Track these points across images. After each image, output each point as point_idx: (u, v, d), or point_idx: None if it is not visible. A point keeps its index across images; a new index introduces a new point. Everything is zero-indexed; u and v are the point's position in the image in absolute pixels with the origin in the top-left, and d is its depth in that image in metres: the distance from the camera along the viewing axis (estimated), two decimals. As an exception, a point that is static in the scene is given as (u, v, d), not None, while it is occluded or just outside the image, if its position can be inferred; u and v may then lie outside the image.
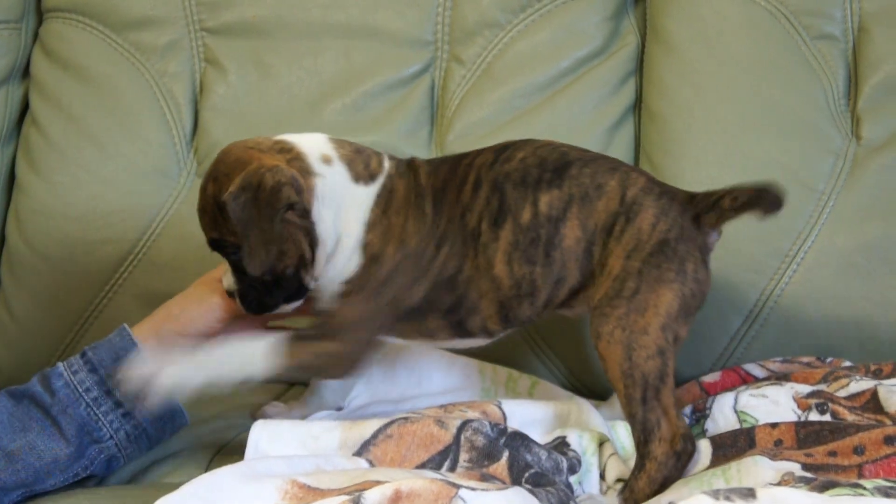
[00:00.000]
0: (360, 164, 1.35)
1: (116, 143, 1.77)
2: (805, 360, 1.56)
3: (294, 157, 1.33)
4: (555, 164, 1.33)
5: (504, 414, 1.42)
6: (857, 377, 1.42)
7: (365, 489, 1.16)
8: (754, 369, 1.55)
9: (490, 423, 1.35)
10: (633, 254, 1.30)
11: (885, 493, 1.10)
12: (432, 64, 1.78)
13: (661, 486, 1.26)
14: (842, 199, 1.63)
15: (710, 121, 1.68)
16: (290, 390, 1.71)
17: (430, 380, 1.54)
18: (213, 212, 1.32)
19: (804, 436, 1.28)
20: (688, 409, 1.44)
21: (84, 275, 1.74)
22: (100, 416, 1.40)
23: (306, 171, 1.32)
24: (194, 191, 1.75)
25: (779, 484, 1.16)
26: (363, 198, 1.34)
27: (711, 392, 1.53)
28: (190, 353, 1.33)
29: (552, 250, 1.32)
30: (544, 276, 1.32)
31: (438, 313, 1.35)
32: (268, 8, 1.78)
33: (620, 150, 1.72)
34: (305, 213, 1.32)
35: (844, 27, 1.71)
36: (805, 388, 1.40)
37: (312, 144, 1.35)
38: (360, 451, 1.32)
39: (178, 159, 1.78)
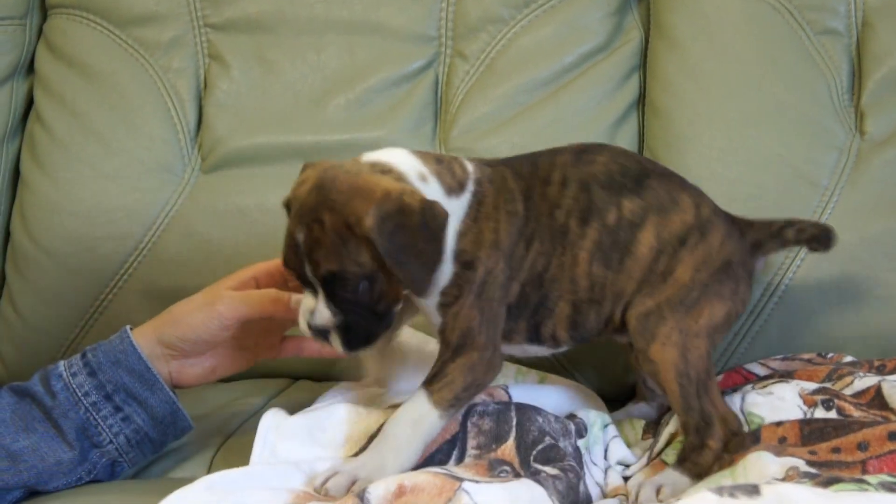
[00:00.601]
0: (449, 177, 1.32)
1: (120, 139, 1.76)
2: (806, 356, 1.56)
3: (398, 177, 1.28)
4: (635, 174, 1.37)
5: (510, 397, 1.43)
6: (861, 374, 1.42)
7: (370, 485, 1.17)
8: (756, 368, 1.55)
9: (493, 407, 1.36)
10: (702, 267, 1.35)
11: (890, 488, 1.10)
12: (436, 59, 1.78)
13: (722, 462, 1.31)
14: (845, 194, 1.63)
15: (713, 116, 1.68)
16: (290, 387, 1.70)
17: None
18: (335, 243, 1.24)
19: (808, 433, 1.29)
20: None
21: (89, 271, 1.74)
22: (99, 420, 1.39)
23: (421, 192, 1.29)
24: (198, 187, 1.76)
25: (783, 480, 1.16)
26: (455, 210, 1.31)
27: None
28: (374, 455, 1.28)
29: (626, 257, 1.35)
30: (614, 283, 1.35)
31: (526, 313, 1.35)
32: (271, 3, 1.78)
33: (624, 145, 1.72)
34: (439, 235, 1.28)
35: (848, 22, 1.71)
36: (811, 385, 1.40)
37: (406, 162, 1.30)
38: (366, 446, 1.32)
39: (183, 155, 1.78)
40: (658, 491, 1.29)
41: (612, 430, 1.44)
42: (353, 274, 1.25)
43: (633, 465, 1.40)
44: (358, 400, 1.47)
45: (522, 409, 1.37)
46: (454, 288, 1.31)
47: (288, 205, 1.31)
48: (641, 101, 1.76)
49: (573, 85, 1.74)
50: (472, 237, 1.31)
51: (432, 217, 1.24)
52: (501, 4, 1.76)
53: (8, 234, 1.81)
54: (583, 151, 1.38)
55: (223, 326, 1.41)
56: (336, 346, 1.30)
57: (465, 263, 1.31)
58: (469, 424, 1.35)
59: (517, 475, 1.28)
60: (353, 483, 1.24)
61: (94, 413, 1.39)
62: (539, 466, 1.29)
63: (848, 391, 1.39)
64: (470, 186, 1.33)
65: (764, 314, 1.61)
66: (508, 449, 1.32)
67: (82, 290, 1.75)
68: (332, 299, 1.27)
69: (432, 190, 1.29)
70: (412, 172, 1.29)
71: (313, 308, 1.28)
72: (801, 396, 1.37)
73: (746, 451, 1.26)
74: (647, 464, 1.39)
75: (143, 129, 1.77)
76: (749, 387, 1.43)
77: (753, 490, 1.05)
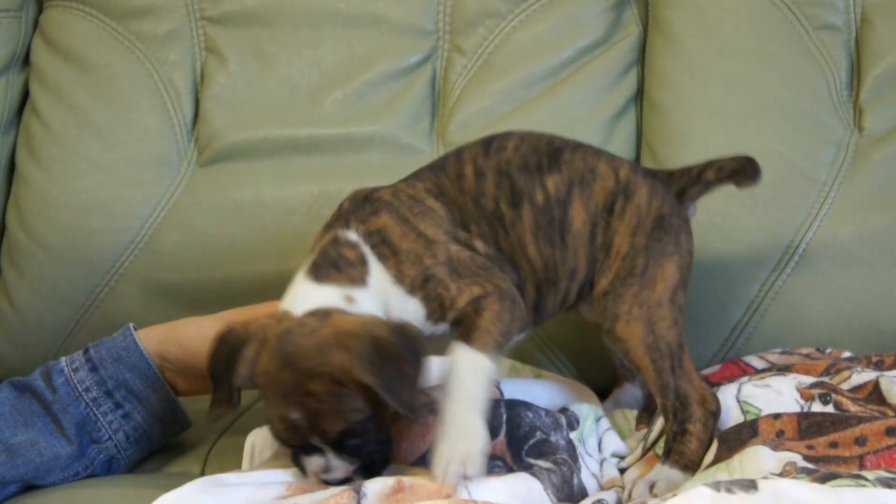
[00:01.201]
0: (352, 270, 1.30)
1: (117, 132, 1.76)
2: (804, 351, 1.56)
3: (338, 313, 1.26)
4: (547, 151, 1.36)
5: (501, 393, 1.42)
6: (859, 369, 1.41)
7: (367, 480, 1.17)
8: (754, 361, 1.55)
9: None
10: (637, 230, 1.34)
11: (887, 484, 1.09)
12: (433, 54, 1.78)
13: (708, 447, 1.30)
14: (844, 190, 1.63)
15: (711, 111, 1.68)
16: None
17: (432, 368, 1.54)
18: (333, 405, 1.22)
19: (806, 427, 1.28)
20: None
21: (85, 264, 1.74)
22: (99, 416, 1.39)
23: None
24: (195, 180, 1.75)
25: (780, 475, 1.16)
26: (377, 281, 1.30)
27: (711, 381, 1.53)
28: (455, 423, 1.24)
29: (565, 234, 1.34)
30: (563, 261, 1.34)
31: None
32: (268, -4, 1.78)
33: (622, 140, 1.72)
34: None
35: (847, 17, 1.70)
36: (808, 379, 1.40)
37: (323, 296, 1.28)
38: None
39: (179, 149, 1.77)
40: (651, 487, 1.28)
41: (605, 422, 1.44)
42: (359, 423, 1.23)
43: (628, 456, 1.40)
44: None
45: (512, 404, 1.36)
46: (433, 305, 1.30)
47: (223, 378, 1.27)
48: (639, 96, 1.76)
49: (571, 80, 1.73)
50: (407, 263, 1.30)
51: (410, 339, 1.24)
52: (499, -1, 1.76)
53: (3, 227, 1.80)
54: (489, 142, 1.38)
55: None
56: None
57: (421, 284, 1.30)
58: None
59: (510, 469, 1.28)
60: (464, 460, 1.21)
61: (94, 409, 1.39)
62: (532, 461, 1.29)
63: (845, 386, 1.39)
64: (365, 251, 1.30)
65: (761, 310, 1.61)
66: (500, 444, 1.32)
67: (78, 284, 1.74)
68: (342, 452, 1.25)
69: (367, 297, 1.28)
70: (338, 301, 1.27)
71: (325, 466, 1.25)
72: (798, 390, 1.37)
73: (744, 444, 1.25)
74: (642, 456, 1.38)
75: (140, 122, 1.76)
76: (746, 378, 1.43)
77: (750, 485, 1.04)
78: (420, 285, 1.30)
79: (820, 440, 1.26)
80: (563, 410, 1.41)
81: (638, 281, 1.32)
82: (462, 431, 1.23)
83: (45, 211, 1.75)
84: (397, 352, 1.22)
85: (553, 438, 1.33)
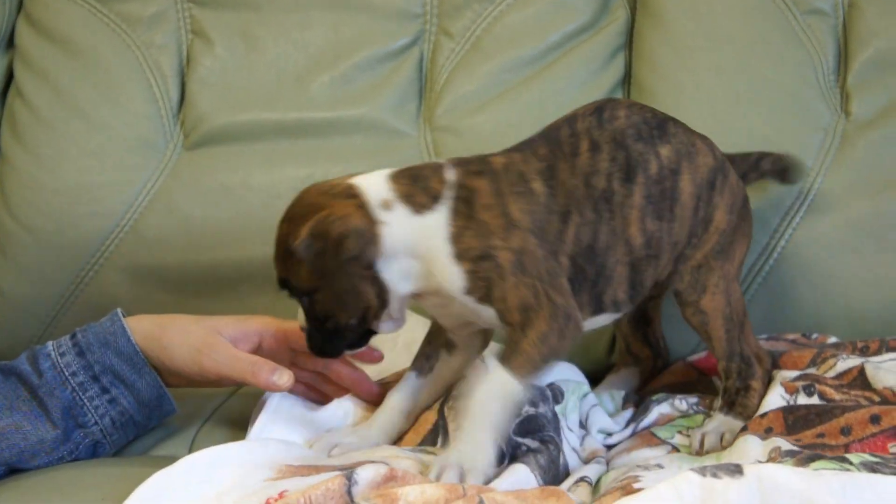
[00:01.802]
0: (419, 194, 1.30)
1: (102, 115, 1.75)
2: (790, 336, 1.56)
3: (361, 203, 1.29)
4: (655, 122, 1.38)
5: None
6: (844, 355, 1.42)
7: (359, 466, 1.17)
8: None
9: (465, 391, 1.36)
10: (732, 208, 1.39)
11: (871, 468, 1.10)
12: (421, 37, 1.77)
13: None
14: (830, 174, 1.63)
15: (698, 95, 1.68)
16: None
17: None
18: (283, 252, 1.29)
19: (792, 422, 1.29)
20: (693, 399, 1.45)
21: (70, 248, 1.73)
22: (85, 401, 1.39)
23: (371, 220, 1.28)
24: (181, 164, 1.75)
25: (766, 461, 1.17)
26: (433, 222, 1.29)
27: (700, 368, 1.54)
28: (468, 441, 1.25)
29: (674, 205, 1.36)
30: (669, 233, 1.36)
31: (587, 286, 1.34)
32: (254, -21, 1.77)
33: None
34: (370, 265, 1.28)
35: (834, 2, 1.70)
36: (792, 373, 1.41)
37: (374, 188, 1.30)
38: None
39: (165, 132, 1.77)
40: (722, 438, 1.34)
41: (591, 398, 1.44)
42: (296, 288, 1.29)
43: (616, 433, 1.40)
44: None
45: None
46: (478, 282, 1.29)
47: None
48: (627, 80, 1.76)
49: (559, 63, 1.73)
50: (473, 232, 1.29)
51: (339, 248, 1.25)
52: (487, -19, 1.75)
53: (-11, 210, 1.80)
54: (601, 109, 1.38)
55: (201, 376, 1.41)
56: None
57: (476, 259, 1.29)
58: (445, 409, 1.35)
59: (500, 452, 1.28)
60: (462, 472, 1.21)
61: (80, 393, 1.39)
62: (519, 439, 1.29)
63: (831, 374, 1.40)
64: (447, 194, 1.30)
65: (747, 295, 1.61)
66: None
67: (64, 268, 1.73)
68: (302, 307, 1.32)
69: (398, 216, 1.29)
70: (376, 200, 1.29)
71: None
72: (782, 385, 1.38)
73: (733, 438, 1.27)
74: (632, 435, 1.39)
75: (126, 105, 1.76)
76: None
77: (736, 470, 1.05)
78: (473, 259, 1.28)
79: (806, 433, 1.27)
80: (549, 385, 1.41)
81: (724, 256, 1.38)
82: (470, 448, 1.23)
83: (31, 194, 1.74)
84: (343, 250, 1.25)
85: (541, 409, 1.33)
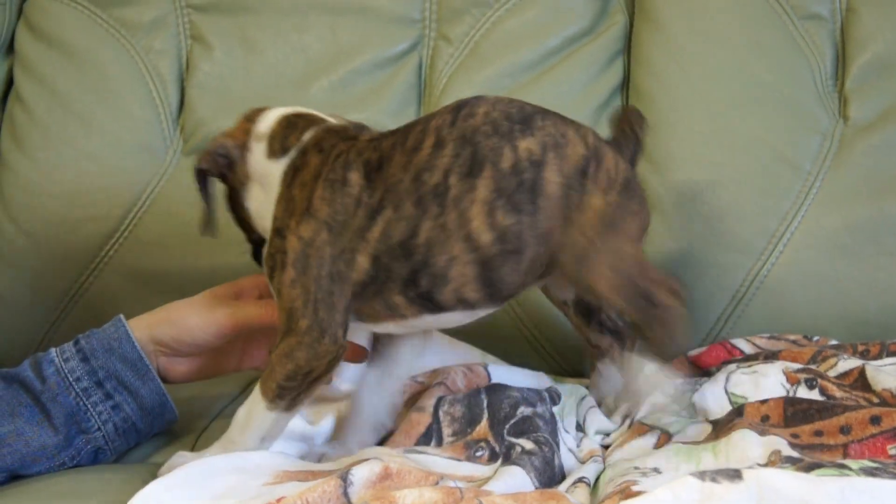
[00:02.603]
0: (279, 140, 1.35)
1: (102, 120, 1.76)
2: (792, 337, 1.56)
3: (248, 129, 1.37)
4: (519, 116, 1.31)
5: (489, 376, 1.43)
6: (845, 356, 1.42)
7: (353, 467, 1.17)
8: (741, 343, 1.55)
9: (462, 395, 1.37)
10: (609, 190, 1.30)
11: (871, 473, 1.10)
12: (420, 42, 1.77)
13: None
14: (829, 179, 1.63)
15: (696, 100, 1.68)
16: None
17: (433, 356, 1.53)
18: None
19: (791, 414, 1.29)
20: (678, 381, 1.45)
21: (69, 252, 1.73)
22: (89, 406, 1.39)
23: (245, 147, 1.36)
24: (180, 168, 1.75)
25: (766, 465, 1.17)
26: (275, 173, 1.34)
27: (697, 363, 1.54)
28: (216, 446, 1.33)
29: (537, 197, 1.28)
30: (532, 226, 1.27)
31: (396, 286, 1.28)
32: (253, -17, 1.77)
33: (608, 129, 1.72)
34: (242, 186, 1.36)
35: (832, 7, 1.71)
36: (795, 365, 1.41)
37: (267, 119, 1.37)
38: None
39: (164, 136, 1.77)
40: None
41: (589, 400, 1.44)
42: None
43: (614, 432, 1.40)
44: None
45: (494, 388, 1.37)
46: (270, 258, 1.31)
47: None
48: (626, 84, 1.76)
49: (557, 68, 1.73)
50: (285, 204, 1.31)
51: (213, 162, 1.36)
52: (486, -13, 1.75)
53: (-12, 214, 1.80)
54: (459, 108, 1.33)
55: (219, 334, 1.41)
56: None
57: (276, 230, 1.31)
58: (441, 413, 1.35)
59: (493, 452, 1.29)
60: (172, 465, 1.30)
61: (84, 399, 1.39)
62: (513, 440, 1.29)
63: (832, 373, 1.40)
64: (292, 153, 1.34)
65: (746, 299, 1.62)
66: (483, 428, 1.32)
67: (63, 272, 1.74)
68: None
69: (258, 150, 1.36)
70: (260, 129, 1.36)
71: None
72: (784, 373, 1.37)
73: (731, 428, 1.26)
74: (628, 428, 1.39)
75: (125, 110, 1.76)
76: (734, 366, 1.44)
77: (735, 475, 1.05)
78: (276, 229, 1.32)
79: (805, 428, 1.26)
80: (547, 388, 1.42)
81: (609, 231, 1.28)
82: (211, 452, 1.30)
83: (30, 199, 1.75)
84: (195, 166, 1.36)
85: (539, 409, 1.33)
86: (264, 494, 1.14)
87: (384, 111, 1.73)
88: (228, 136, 1.37)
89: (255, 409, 1.29)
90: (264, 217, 1.34)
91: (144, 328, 1.42)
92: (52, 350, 1.41)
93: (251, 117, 1.38)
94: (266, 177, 1.34)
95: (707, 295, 1.63)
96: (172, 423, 1.46)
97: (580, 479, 1.27)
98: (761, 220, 1.62)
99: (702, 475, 1.05)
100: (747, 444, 1.22)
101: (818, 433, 1.26)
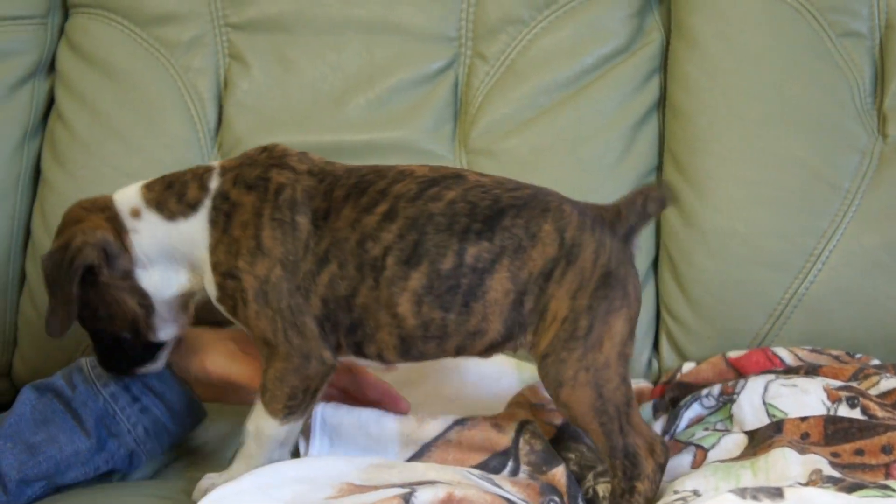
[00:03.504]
0: (173, 200, 1.33)
1: (141, 138, 1.77)
2: (834, 352, 1.55)
3: (112, 215, 1.35)
4: (486, 213, 1.26)
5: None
6: (887, 375, 1.41)
7: (417, 487, 1.17)
8: (783, 353, 1.54)
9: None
10: (578, 293, 1.24)
11: (914, 494, 1.10)
12: (456, 60, 1.78)
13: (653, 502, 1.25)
14: (868, 197, 1.62)
15: (733, 118, 1.68)
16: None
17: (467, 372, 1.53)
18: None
19: (832, 432, 1.28)
20: (716, 390, 1.44)
21: (108, 270, 1.74)
22: (117, 410, 1.41)
23: (122, 230, 1.34)
24: (218, 186, 1.76)
25: (806, 484, 1.16)
26: (191, 229, 1.32)
27: (737, 367, 1.53)
28: (232, 467, 1.36)
29: (472, 301, 1.25)
30: (458, 323, 1.26)
31: (340, 330, 1.29)
32: (290, 3, 1.78)
33: (645, 147, 1.72)
34: (127, 274, 1.34)
35: (871, 24, 1.70)
36: (836, 382, 1.40)
37: (125, 198, 1.35)
38: (421, 454, 1.35)
39: (202, 155, 1.78)
40: None
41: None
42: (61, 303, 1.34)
43: None
44: None
45: (576, 435, 1.37)
46: (226, 299, 1.31)
47: None
48: (662, 102, 1.76)
49: (593, 86, 1.73)
50: (226, 247, 1.30)
51: (74, 258, 1.31)
52: (522, 5, 1.75)
53: (28, 232, 1.81)
54: (434, 183, 1.28)
55: (205, 379, 1.44)
56: None
57: (224, 274, 1.30)
58: (521, 441, 1.35)
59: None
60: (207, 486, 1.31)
61: (112, 403, 1.41)
62: None
63: (874, 391, 1.38)
64: (207, 203, 1.32)
65: (784, 317, 1.61)
66: (559, 475, 1.30)
67: (101, 289, 1.75)
68: None
69: (148, 223, 1.33)
70: (125, 210, 1.34)
71: None
72: (825, 391, 1.36)
73: (770, 445, 1.25)
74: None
75: (163, 128, 1.77)
76: (773, 376, 1.42)
77: (777, 493, 1.04)
78: (222, 273, 1.31)
79: (846, 447, 1.25)
80: None
81: (582, 344, 1.24)
82: (226, 477, 1.31)
83: (69, 216, 1.76)
84: (57, 266, 1.31)
85: (599, 467, 1.33)
86: (325, 509, 1.15)
87: (421, 129, 1.74)
88: (88, 232, 1.33)
89: (266, 426, 1.31)
90: (174, 282, 1.34)
91: (173, 353, 1.44)
92: (82, 359, 1.44)
93: (97, 208, 1.36)
94: (179, 238, 1.33)
95: (745, 313, 1.62)
96: (202, 418, 1.48)
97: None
98: (799, 238, 1.62)
99: (742, 492, 1.05)
100: (787, 463, 1.21)
101: (859, 452, 1.25)
